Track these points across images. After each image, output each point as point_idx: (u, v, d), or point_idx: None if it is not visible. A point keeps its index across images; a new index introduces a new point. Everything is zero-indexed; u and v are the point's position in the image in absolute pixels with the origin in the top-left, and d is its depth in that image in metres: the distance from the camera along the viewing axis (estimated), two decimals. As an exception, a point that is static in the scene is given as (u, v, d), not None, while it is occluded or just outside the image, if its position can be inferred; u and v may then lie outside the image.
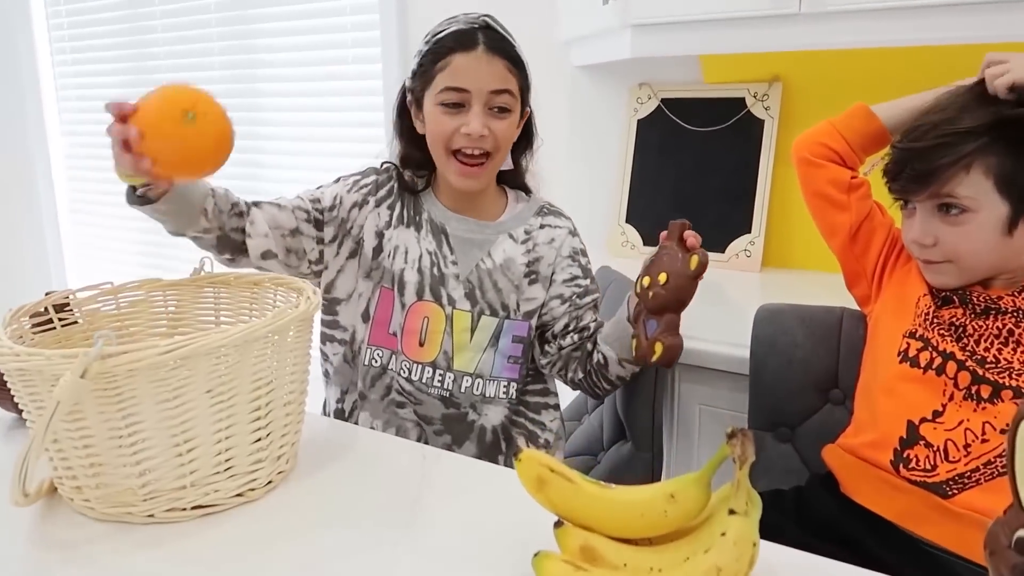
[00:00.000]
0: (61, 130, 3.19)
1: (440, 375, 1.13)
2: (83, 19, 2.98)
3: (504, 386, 1.15)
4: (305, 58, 2.46)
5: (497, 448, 1.17)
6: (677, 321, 1.01)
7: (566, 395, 1.63)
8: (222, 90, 2.66)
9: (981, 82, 0.95)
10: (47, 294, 0.88)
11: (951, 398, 0.91)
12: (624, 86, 1.92)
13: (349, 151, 2.41)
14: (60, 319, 0.87)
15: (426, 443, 1.13)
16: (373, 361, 1.15)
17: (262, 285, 0.93)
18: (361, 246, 1.16)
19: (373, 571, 0.67)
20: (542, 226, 1.20)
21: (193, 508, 0.75)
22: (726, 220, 1.78)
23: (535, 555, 0.61)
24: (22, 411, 0.75)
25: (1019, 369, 0.89)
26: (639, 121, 1.89)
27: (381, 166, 1.21)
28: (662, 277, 1.00)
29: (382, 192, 1.17)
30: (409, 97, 1.15)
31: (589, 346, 1.15)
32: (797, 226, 1.74)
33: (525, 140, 1.20)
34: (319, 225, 1.13)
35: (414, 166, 1.19)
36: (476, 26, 1.09)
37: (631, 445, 1.19)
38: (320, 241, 1.14)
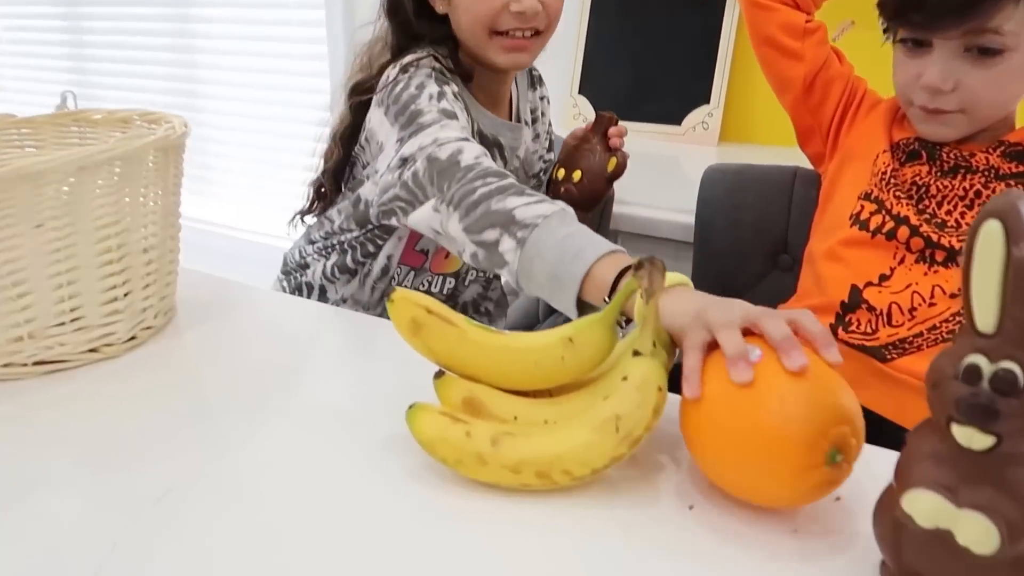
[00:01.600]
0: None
1: (452, 281, 1.05)
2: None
3: None
4: (247, 32, 2.28)
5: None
6: (582, 218, 0.93)
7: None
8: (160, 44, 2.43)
9: None
10: None
11: (901, 261, 0.84)
12: (580, -59, 1.75)
13: (297, 116, 2.23)
14: None
15: None
16: (393, 279, 1.03)
17: (131, 122, 0.81)
18: None
19: (239, 432, 0.58)
20: (541, 97, 1.08)
21: (36, 363, 0.65)
22: (684, 90, 1.66)
23: (409, 408, 0.52)
24: None
25: None
26: (595, -19, 1.73)
27: (426, 60, 0.90)
28: (576, 175, 0.94)
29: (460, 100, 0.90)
30: None
31: None
32: (759, 98, 1.62)
33: None
34: None
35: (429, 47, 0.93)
36: None
37: (565, 321, 1.10)
38: None
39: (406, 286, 1.03)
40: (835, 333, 0.85)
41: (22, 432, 0.58)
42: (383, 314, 1.01)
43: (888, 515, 0.41)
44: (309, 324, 0.77)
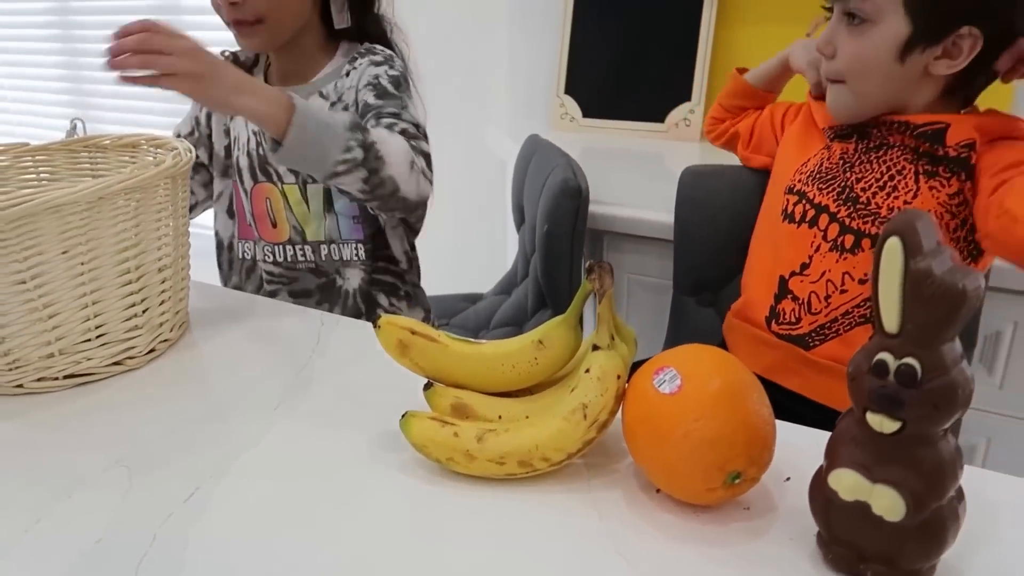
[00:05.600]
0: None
1: (300, 250, 1.12)
2: None
3: (355, 248, 1.12)
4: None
5: (358, 312, 1.15)
6: None
7: (496, 269, 1.60)
8: None
9: None
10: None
11: (817, 249, 0.90)
12: (562, -55, 1.80)
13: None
14: (-85, 186, 0.81)
15: None
16: (244, 254, 1.16)
17: (139, 147, 0.87)
18: (212, 146, 1.16)
19: (248, 430, 0.64)
20: (347, 72, 1.08)
21: (66, 377, 0.72)
22: (666, 88, 1.72)
23: (402, 416, 0.58)
24: None
25: (885, 217, 0.86)
26: (577, -17, 1.79)
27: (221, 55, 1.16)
28: None
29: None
30: None
31: None
32: (739, 93, 1.68)
33: None
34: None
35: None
36: None
37: (552, 313, 1.17)
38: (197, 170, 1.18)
39: (257, 259, 1.15)
40: (768, 327, 0.94)
41: (58, 439, 0.64)
42: (245, 281, 1.17)
43: (819, 491, 0.48)
44: (316, 331, 0.83)
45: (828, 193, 0.90)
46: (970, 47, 0.79)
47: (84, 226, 0.67)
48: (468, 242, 2.06)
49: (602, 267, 0.54)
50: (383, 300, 1.15)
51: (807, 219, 0.91)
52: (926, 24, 0.80)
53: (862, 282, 0.87)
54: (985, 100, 0.89)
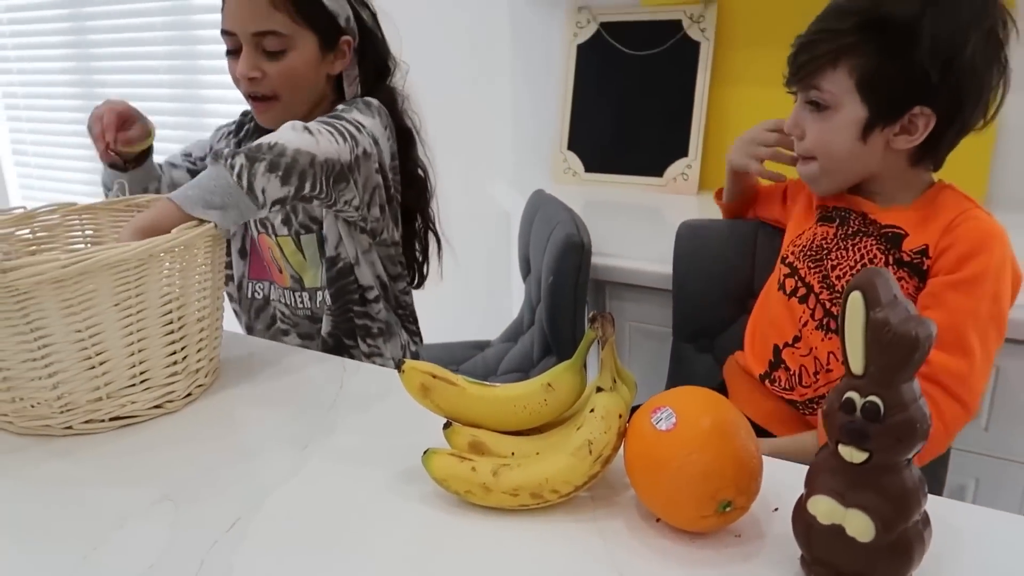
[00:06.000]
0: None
1: (299, 297, 1.18)
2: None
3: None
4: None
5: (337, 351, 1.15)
6: None
7: (502, 317, 1.66)
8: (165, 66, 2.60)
9: None
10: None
11: (806, 325, 0.95)
12: (563, 10, 1.90)
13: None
14: (-27, 244, 0.88)
15: None
16: (256, 294, 1.22)
17: (178, 207, 0.94)
18: None
19: (281, 467, 0.70)
20: None
21: (111, 420, 0.78)
22: (664, 144, 1.80)
23: (424, 452, 0.64)
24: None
25: None
26: (579, 46, 1.89)
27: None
28: None
29: (242, 133, 1.21)
30: None
31: None
32: (733, 148, 1.76)
33: (373, 67, 1.14)
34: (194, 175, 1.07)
35: None
36: None
37: (557, 360, 1.23)
38: None
39: (271, 298, 1.20)
40: (763, 382, 1.00)
41: (107, 475, 0.70)
42: (255, 319, 1.22)
43: (800, 516, 0.53)
44: (339, 375, 0.89)
45: (815, 274, 0.96)
46: (924, 124, 0.87)
47: (135, 281, 0.74)
48: (475, 291, 2.13)
49: (604, 317, 0.60)
50: (359, 343, 1.16)
51: (798, 295, 0.97)
52: (880, 107, 0.88)
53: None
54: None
